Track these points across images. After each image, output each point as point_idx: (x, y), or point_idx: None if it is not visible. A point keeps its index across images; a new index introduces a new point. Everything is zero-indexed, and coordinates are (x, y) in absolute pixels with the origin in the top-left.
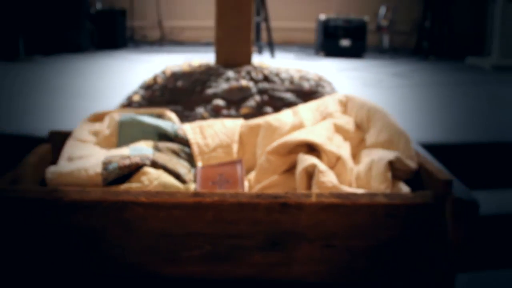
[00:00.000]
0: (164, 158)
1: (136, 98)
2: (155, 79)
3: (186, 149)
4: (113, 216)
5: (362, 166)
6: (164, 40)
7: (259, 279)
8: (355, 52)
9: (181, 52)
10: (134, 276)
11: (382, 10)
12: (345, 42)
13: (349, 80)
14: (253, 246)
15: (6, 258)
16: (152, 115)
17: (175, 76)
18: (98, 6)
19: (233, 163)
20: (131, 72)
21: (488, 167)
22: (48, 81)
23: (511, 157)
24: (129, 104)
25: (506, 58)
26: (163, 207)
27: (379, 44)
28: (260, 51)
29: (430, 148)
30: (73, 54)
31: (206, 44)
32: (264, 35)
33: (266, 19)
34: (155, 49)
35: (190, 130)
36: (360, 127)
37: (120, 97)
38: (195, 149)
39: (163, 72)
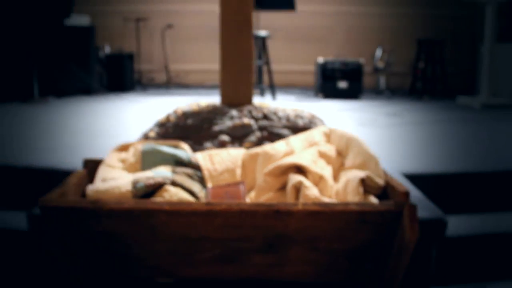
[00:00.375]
0: (181, 179)
1: (152, 134)
2: (167, 117)
3: (198, 173)
4: (142, 222)
5: (340, 184)
6: (171, 83)
7: (259, 279)
8: (352, 93)
9: (187, 94)
10: (157, 276)
11: (378, 52)
12: (342, 84)
13: (345, 119)
14: (254, 248)
15: (55, 256)
16: (169, 145)
17: (185, 115)
18: (107, 50)
19: (237, 184)
20: (141, 113)
21: (476, 193)
22: (67, 121)
23: (500, 184)
24: (145, 139)
25: (495, 97)
26: (182, 214)
27: (376, 86)
28: (262, 93)
29: (413, 177)
30: (84, 96)
31: (211, 87)
32: (266, 78)
33: (267, 63)
34: (162, 92)
35: (201, 157)
36: (340, 154)
37: (134, 135)
38: (206, 173)
39: (175, 112)
